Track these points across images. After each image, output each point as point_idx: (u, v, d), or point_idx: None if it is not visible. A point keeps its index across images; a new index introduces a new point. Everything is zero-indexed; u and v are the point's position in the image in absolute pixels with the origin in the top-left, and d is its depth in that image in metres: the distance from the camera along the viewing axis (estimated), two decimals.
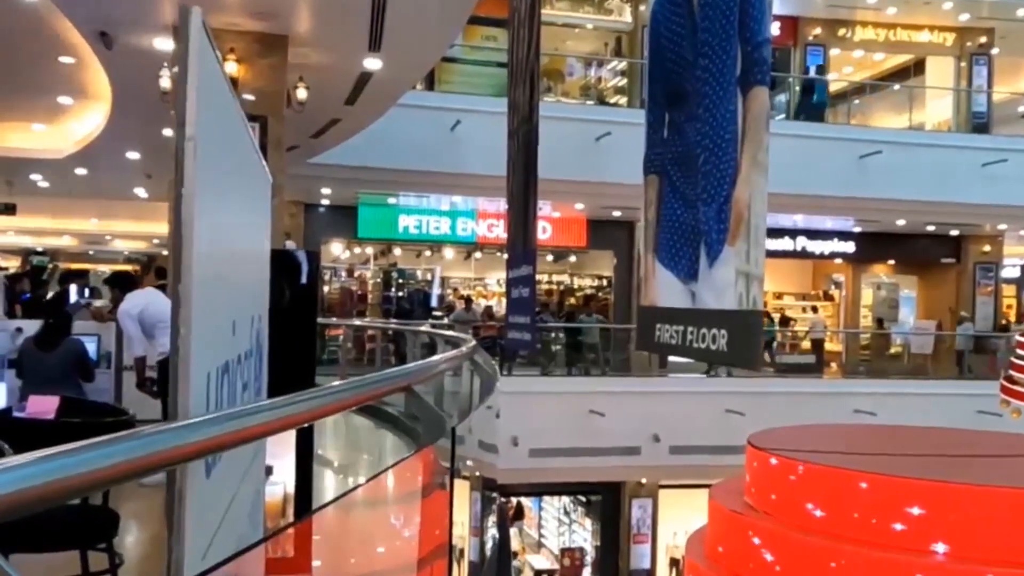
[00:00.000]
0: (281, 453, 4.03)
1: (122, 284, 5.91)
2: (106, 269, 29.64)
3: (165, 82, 7.57)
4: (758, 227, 4.36)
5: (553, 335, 14.55)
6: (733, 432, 10.07)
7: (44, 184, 15.55)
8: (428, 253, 19.12)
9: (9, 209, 15.70)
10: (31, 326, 5.90)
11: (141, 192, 16.43)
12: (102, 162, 12.93)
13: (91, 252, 28.41)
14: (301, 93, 7.78)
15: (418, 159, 13.94)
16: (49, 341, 5.48)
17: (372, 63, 7.93)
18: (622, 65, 18.65)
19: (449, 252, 18.81)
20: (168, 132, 10.89)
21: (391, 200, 16.98)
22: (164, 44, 7.36)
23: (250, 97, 7.01)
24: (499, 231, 17.32)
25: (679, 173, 5.44)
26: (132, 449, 0.92)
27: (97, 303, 8.29)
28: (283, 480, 4.02)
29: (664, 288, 5.25)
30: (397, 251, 18.89)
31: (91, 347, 6.35)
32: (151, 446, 0.94)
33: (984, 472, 5.54)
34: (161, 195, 17.32)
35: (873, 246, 19.24)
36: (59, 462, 0.85)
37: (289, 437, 4.09)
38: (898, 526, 5.01)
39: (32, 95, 10.52)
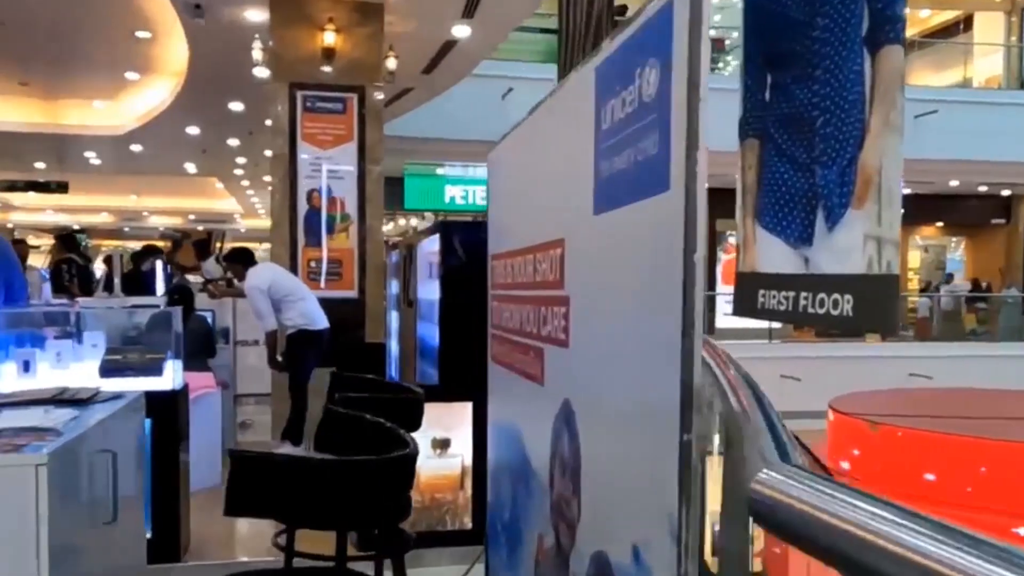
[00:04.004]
0: (457, 425, 4.02)
1: (244, 260, 5.89)
2: (137, 245, 29.72)
3: (257, 53, 7.48)
4: (891, 189, 4.32)
5: None
6: (789, 397, 10.04)
7: (96, 161, 15.52)
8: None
9: (61, 187, 15.69)
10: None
11: (191, 167, 16.39)
12: (160, 138, 12.88)
13: (126, 229, 28.49)
14: (391, 63, 7.66)
15: (467, 128, 13.84)
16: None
17: (460, 30, 7.81)
18: None
19: None
20: (235, 106, 10.83)
21: (439, 171, 16.90)
22: (255, 16, 7.27)
23: (347, 68, 6.92)
24: None
25: (786, 136, 5.38)
26: None
27: (191, 277, 8.26)
28: (460, 452, 4.01)
29: (769, 254, 5.22)
30: (424, 226, 18.84)
31: None
32: None
33: None
34: (210, 170, 17.33)
35: (922, 208, 18.99)
36: None
37: (465, 409, 4.08)
38: (992, 488, 4.99)
39: (100, 72, 10.46)
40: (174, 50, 9.26)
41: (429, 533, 3.92)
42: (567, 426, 1.97)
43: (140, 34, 8.87)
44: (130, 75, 10.64)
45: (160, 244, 28.44)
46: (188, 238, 21.76)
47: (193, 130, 12.55)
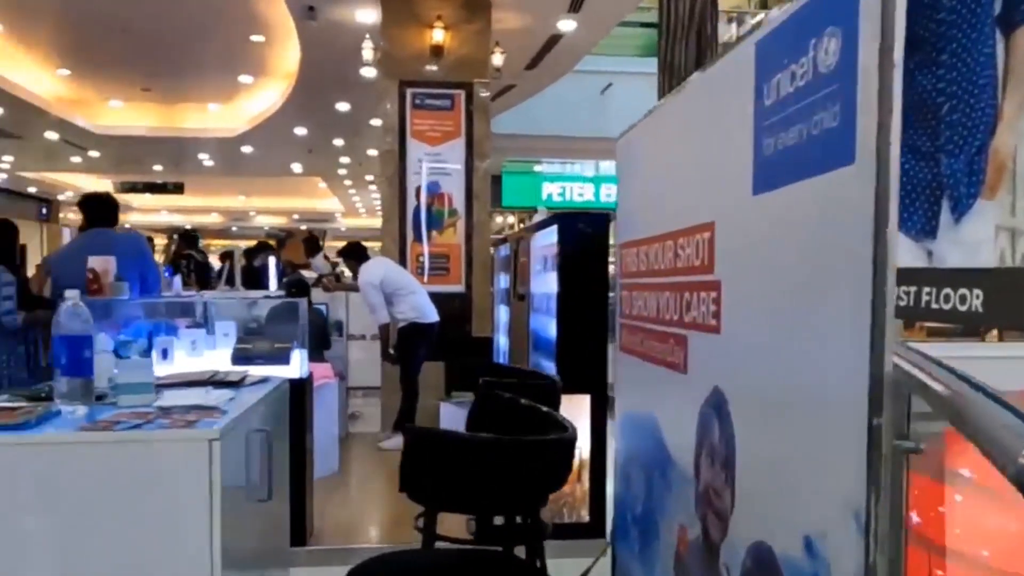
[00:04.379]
0: (575, 418, 3.98)
1: (357, 255, 6.03)
2: (242, 244, 30.85)
3: (367, 53, 7.63)
4: None
5: None
6: None
7: (209, 163, 16.18)
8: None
9: (177, 188, 16.42)
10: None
11: (297, 167, 16.90)
12: (270, 139, 13.32)
13: (234, 228, 29.64)
14: (497, 59, 7.71)
15: (565, 125, 13.81)
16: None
17: (566, 25, 7.79)
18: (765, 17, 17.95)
19: None
20: (342, 106, 11.11)
21: (536, 168, 16.95)
22: (366, 16, 7.42)
23: (455, 65, 6.98)
24: None
25: (907, 124, 5.14)
26: None
27: (306, 273, 8.51)
28: (578, 445, 3.98)
29: None
30: (539, 219, 18.82)
31: None
32: None
33: None
34: (315, 170, 17.84)
35: None
36: None
37: (583, 402, 4.05)
38: None
39: (215, 76, 10.89)
40: (286, 53, 9.56)
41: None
42: (717, 414, 1.92)
43: (254, 38, 9.19)
44: (243, 78, 11.04)
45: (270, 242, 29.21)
46: (292, 237, 22.50)
47: (301, 131, 12.94)
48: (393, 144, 6.96)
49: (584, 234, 3.93)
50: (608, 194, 17.51)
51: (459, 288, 6.96)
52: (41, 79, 10.96)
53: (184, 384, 2.23)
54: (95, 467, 1.57)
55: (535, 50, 8.58)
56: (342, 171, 17.51)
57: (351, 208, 25.25)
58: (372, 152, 14.65)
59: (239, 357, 3.74)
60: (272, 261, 9.03)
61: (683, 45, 6.99)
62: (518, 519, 2.26)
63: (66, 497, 1.56)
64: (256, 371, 3.19)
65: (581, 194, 17.44)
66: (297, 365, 3.86)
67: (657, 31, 7.59)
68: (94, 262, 3.93)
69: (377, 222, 25.77)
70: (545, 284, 4.58)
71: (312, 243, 10.58)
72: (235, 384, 2.28)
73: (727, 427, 1.86)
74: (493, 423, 1.69)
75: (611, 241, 4.44)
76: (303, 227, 25.93)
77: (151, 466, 1.58)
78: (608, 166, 17.14)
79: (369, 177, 18.30)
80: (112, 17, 8.43)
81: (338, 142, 13.92)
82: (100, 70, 10.79)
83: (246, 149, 14.41)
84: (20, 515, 1.55)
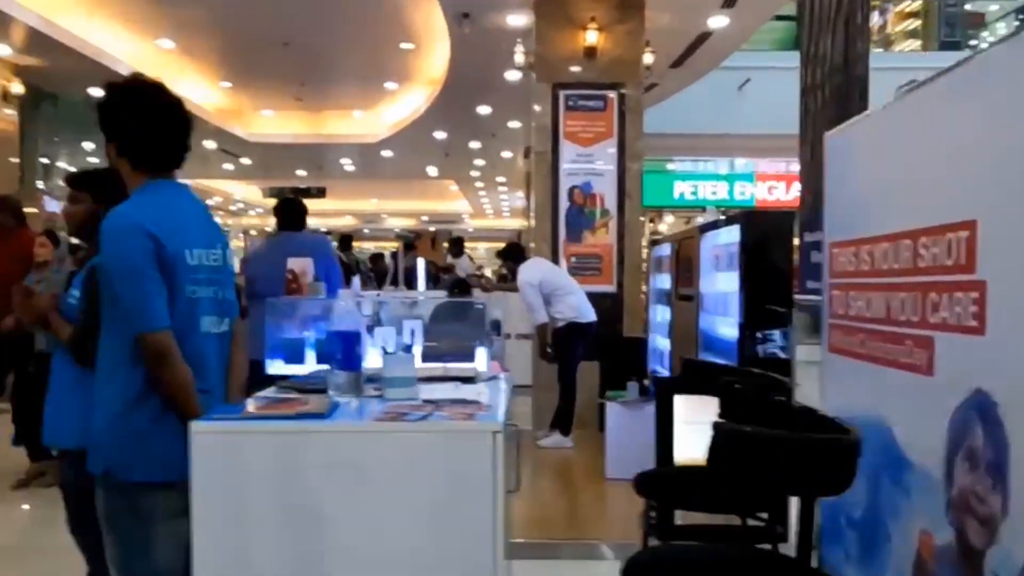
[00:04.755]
0: None
1: (516, 256, 6.15)
2: (370, 246, 31.84)
3: (519, 57, 7.76)
4: None
5: None
6: None
7: (350, 168, 16.80)
8: (699, 220, 18.67)
9: (320, 192, 17.12)
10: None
11: (432, 171, 17.32)
12: (409, 143, 13.71)
13: (366, 231, 30.66)
14: (648, 58, 7.68)
15: (700, 122, 13.61)
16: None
17: (717, 21, 7.69)
18: (914, 5, 17.16)
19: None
20: (482, 110, 11.32)
21: (669, 166, 16.77)
22: (516, 20, 7.54)
23: (607, 65, 7.00)
24: (780, 193, 16.64)
25: None
26: None
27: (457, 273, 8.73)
28: None
29: None
30: (669, 218, 18.61)
31: None
32: None
33: None
34: (449, 172, 18.26)
35: None
36: None
37: None
38: None
39: (362, 83, 11.31)
40: (432, 59, 9.83)
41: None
42: (981, 417, 1.87)
43: (404, 46, 9.49)
44: (389, 85, 11.42)
45: (394, 245, 30.11)
46: (420, 238, 23.08)
47: (440, 135, 13.26)
48: (546, 145, 7.05)
49: (771, 234, 3.89)
50: (742, 192, 17.12)
51: (611, 288, 6.98)
52: (206, 91, 11.68)
53: (424, 379, 2.35)
54: (389, 454, 1.69)
55: (682, 48, 8.51)
56: (474, 173, 17.84)
57: (479, 209, 25.67)
58: (506, 154, 14.87)
59: (429, 355, 3.88)
60: (421, 262, 9.30)
61: (829, 36, 6.76)
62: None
63: (363, 482, 1.67)
64: (445, 368, 3.30)
65: (714, 192, 17.11)
66: (483, 362, 3.97)
67: (797, 23, 7.37)
68: (293, 263, 4.16)
69: (503, 223, 25.93)
70: (719, 283, 4.55)
71: (457, 244, 10.87)
72: (470, 380, 2.38)
73: (995, 430, 1.81)
74: (748, 422, 1.69)
75: None
76: (431, 228, 26.58)
77: (440, 455, 1.68)
78: (742, 163, 16.77)
79: (500, 179, 18.57)
80: (275, 32, 8.90)
81: (474, 145, 14.20)
82: (258, 82, 11.41)
83: (386, 153, 14.88)
84: (319, 497, 1.68)
